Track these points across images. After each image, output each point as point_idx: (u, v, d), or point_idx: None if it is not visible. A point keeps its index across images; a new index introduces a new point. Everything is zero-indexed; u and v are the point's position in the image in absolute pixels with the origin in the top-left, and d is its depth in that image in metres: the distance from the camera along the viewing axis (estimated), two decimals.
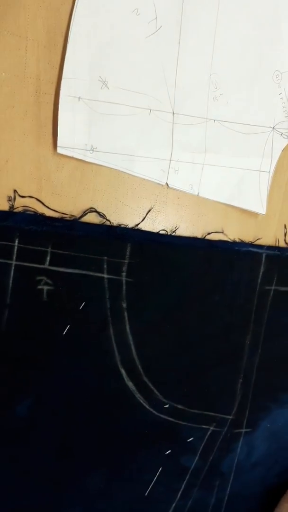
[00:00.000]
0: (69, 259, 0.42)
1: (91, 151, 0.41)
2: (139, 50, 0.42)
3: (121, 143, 0.42)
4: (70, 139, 0.40)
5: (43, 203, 0.41)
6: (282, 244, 0.51)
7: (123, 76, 0.41)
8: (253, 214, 0.49)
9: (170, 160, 0.44)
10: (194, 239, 0.47)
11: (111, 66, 0.41)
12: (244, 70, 0.46)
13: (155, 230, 0.45)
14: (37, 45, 0.39)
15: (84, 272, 0.43)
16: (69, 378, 0.45)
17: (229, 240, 0.49)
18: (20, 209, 0.40)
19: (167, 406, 0.49)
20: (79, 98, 0.40)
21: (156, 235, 0.45)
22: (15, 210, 0.40)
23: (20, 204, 0.40)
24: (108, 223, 0.43)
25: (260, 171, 0.48)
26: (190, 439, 0.51)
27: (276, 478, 0.58)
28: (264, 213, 0.49)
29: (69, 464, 0.46)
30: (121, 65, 0.41)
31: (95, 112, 0.41)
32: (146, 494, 0.50)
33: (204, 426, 0.52)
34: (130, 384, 0.47)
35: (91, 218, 0.43)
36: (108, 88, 0.41)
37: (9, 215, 0.39)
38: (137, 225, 0.45)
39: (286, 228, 0.51)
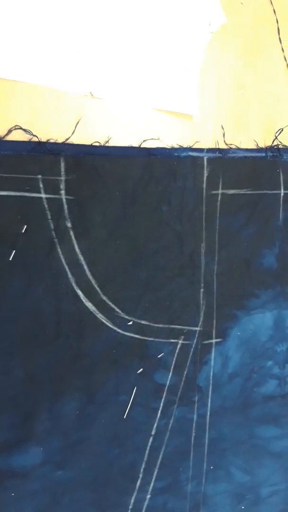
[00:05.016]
0: (0, 181, 0.43)
1: None
2: None
3: (32, 52, 0.43)
4: None
5: None
6: (222, 145, 0.53)
7: None
8: (188, 117, 0.51)
9: (91, 67, 0.45)
10: (131, 148, 0.48)
11: None
12: None
13: (88, 143, 0.47)
14: None
15: (19, 193, 0.45)
16: (23, 305, 0.46)
17: (167, 146, 0.50)
18: None
19: (130, 323, 0.51)
20: None
21: (90, 147, 0.47)
22: None
23: None
24: (36, 139, 0.44)
25: (187, 70, 0.49)
26: (161, 354, 0.53)
27: (256, 387, 0.61)
28: (196, 113, 0.50)
29: (38, 391, 0.48)
30: None
31: None
32: (125, 416, 0.53)
33: (172, 340, 0.54)
34: (89, 304, 0.49)
35: (18, 136, 0.44)
36: None
37: None
38: (67, 139, 0.46)
39: (223, 129, 0.53)
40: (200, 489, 0.60)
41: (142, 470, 0.56)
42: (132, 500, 0.56)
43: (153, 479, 0.57)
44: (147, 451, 0.55)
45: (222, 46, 0.52)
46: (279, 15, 0.55)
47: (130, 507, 0.57)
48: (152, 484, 0.57)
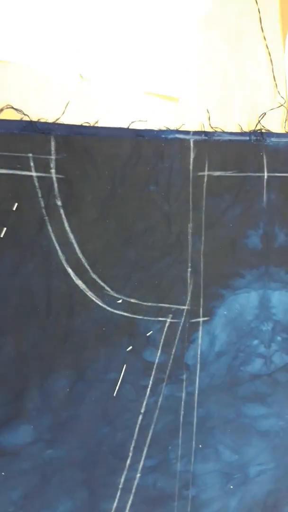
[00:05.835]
0: None
1: None
2: None
3: (24, 34, 0.44)
4: None
5: None
6: (208, 128, 0.55)
7: None
8: (174, 100, 0.53)
9: (81, 49, 0.47)
10: (119, 129, 0.50)
11: None
12: None
13: (78, 123, 0.48)
14: None
15: (10, 171, 0.46)
16: (14, 282, 0.47)
17: (154, 128, 0.52)
18: None
19: (120, 301, 0.52)
20: None
21: (80, 127, 0.48)
22: None
23: None
24: (27, 118, 0.46)
25: (173, 54, 0.51)
26: (149, 333, 0.55)
27: (243, 366, 0.63)
28: (182, 96, 0.52)
29: (28, 369, 0.49)
30: None
31: None
32: (114, 394, 0.54)
33: (161, 319, 0.56)
34: (79, 282, 0.50)
35: (9, 115, 0.45)
36: None
37: None
38: (57, 119, 0.47)
39: (209, 113, 0.55)
40: (189, 468, 0.61)
41: (132, 448, 0.57)
42: (122, 479, 0.57)
43: (143, 458, 0.58)
44: (136, 429, 0.57)
45: (207, 32, 0.54)
46: (261, 5, 0.58)
47: (120, 486, 0.58)
48: (141, 463, 0.58)
